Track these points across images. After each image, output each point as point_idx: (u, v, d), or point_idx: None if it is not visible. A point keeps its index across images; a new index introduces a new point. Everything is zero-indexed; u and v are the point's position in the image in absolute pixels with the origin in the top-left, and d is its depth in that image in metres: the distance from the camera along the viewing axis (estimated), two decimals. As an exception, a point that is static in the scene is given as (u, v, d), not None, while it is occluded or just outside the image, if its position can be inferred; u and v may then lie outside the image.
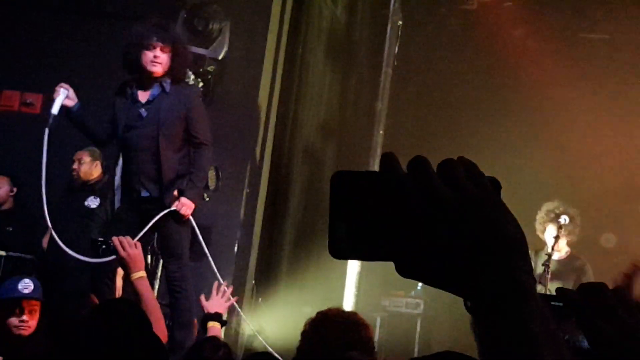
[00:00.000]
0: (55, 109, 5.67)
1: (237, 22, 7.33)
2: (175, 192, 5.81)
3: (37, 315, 4.93)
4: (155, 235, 6.30)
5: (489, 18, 8.57)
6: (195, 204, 5.84)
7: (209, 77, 7.32)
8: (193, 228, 6.31)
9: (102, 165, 7.32)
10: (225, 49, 7.42)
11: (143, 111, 5.77)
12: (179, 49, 5.75)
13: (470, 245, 0.84)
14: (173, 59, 5.70)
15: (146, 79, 5.74)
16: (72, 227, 7.14)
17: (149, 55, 5.63)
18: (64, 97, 5.70)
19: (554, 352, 0.82)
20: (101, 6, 8.07)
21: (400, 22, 7.98)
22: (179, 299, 5.90)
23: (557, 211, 6.74)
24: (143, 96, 5.79)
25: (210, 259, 6.18)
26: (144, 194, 5.85)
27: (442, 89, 8.09)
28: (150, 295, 3.92)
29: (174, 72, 5.75)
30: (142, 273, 3.92)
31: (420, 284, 8.17)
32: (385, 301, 8.22)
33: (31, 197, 7.90)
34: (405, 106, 8.10)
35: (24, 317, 4.82)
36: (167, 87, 5.75)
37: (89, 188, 7.24)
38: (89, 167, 7.31)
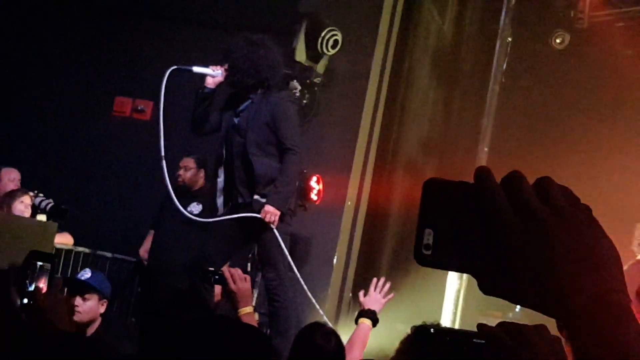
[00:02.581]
0: (200, 70, 5.90)
1: (345, 35, 7.39)
2: (257, 196, 5.84)
3: (91, 305, 5.10)
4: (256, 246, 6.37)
5: (600, 37, 8.39)
6: (280, 211, 5.83)
7: (315, 88, 7.41)
8: (290, 237, 6.36)
9: (205, 172, 7.44)
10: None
11: (236, 120, 5.96)
12: (235, 59, 5.86)
13: (563, 263, 0.82)
14: (230, 69, 5.88)
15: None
16: (173, 232, 7.28)
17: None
18: (212, 73, 5.93)
19: None
20: (215, 17, 8.25)
21: (509, 39, 7.88)
22: (278, 307, 5.92)
23: None
24: (240, 106, 6.01)
25: (295, 270, 6.16)
26: (240, 200, 5.96)
27: (550, 107, 7.93)
28: None
29: (235, 80, 5.89)
30: (250, 309, 3.89)
31: (519, 306, 7.99)
32: (483, 321, 8.07)
33: (138, 200, 8.14)
34: (511, 124, 7.97)
35: (75, 301, 4.98)
36: (255, 97, 5.91)
37: (192, 194, 7.36)
38: (194, 175, 7.42)
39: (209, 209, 7.10)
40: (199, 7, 8.31)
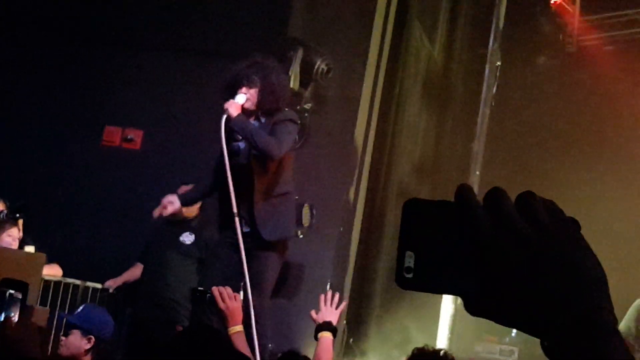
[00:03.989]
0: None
1: (335, 59, 7.41)
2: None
3: (72, 340, 5.29)
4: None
5: (589, 61, 8.44)
6: (233, 117, 5.61)
7: (306, 114, 7.39)
8: (284, 264, 6.30)
9: (202, 203, 7.36)
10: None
11: (241, 144, 5.83)
12: (266, 84, 5.81)
13: (548, 282, 0.80)
14: (261, 94, 5.77)
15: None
16: (164, 261, 7.19)
17: (241, 90, 5.75)
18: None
19: None
20: (206, 45, 8.26)
21: (498, 63, 7.92)
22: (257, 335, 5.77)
23: None
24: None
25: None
26: (245, 229, 5.85)
27: (540, 130, 7.97)
28: (245, 351, 3.87)
29: (264, 106, 5.81)
30: (239, 327, 3.88)
31: (515, 330, 7.94)
32: (479, 347, 8.01)
33: (128, 230, 8.08)
34: (502, 147, 7.99)
35: (62, 336, 5.30)
36: (263, 119, 5.83)
37: (186, 224, 7.28)
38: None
39: (203, 240, 7.03)
40: (188, 35, 8.32)
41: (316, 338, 4.16)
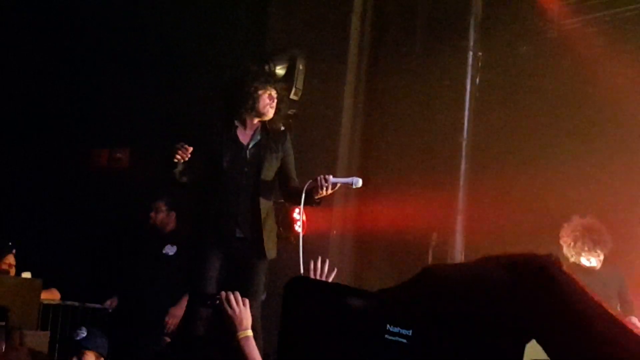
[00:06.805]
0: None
1: (315, 63, 7.38)
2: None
3: None
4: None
5: (571, 45, 8.36)
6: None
7: (290, 120, 7.37)
8: (278, 270, 6.30)
9: (177, 215, 7.48)
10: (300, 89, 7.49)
11: (247, 153, 5.80)
12: (282, 96, 5.86)
13: None
14: (277, 106, 5.82)
15: (250, 121, 5.81)
16: (149, 273, 7.27)
17: (265, 99, 5.74)
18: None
19: None
20: (183, 59, 8.24)
21: (480, 53, 7.88)
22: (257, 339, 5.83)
23: None
24: (245, 138, 5.86)
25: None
26: (239, 234, 5.87)
27: (526, 118, 7.89)
28: (256, 356, 3.82)
29: (275, 118, 5.85)
30: (249, 332, 3.81)
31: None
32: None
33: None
34: (489, 138, 7.91)
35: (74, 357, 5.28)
36: (264, 132, 5.87)
37: (165, 236, 7.42)
38: (166, 217, 7.51)
39: (184, 249, 7.04)
40: (166, 49, 8.30)
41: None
